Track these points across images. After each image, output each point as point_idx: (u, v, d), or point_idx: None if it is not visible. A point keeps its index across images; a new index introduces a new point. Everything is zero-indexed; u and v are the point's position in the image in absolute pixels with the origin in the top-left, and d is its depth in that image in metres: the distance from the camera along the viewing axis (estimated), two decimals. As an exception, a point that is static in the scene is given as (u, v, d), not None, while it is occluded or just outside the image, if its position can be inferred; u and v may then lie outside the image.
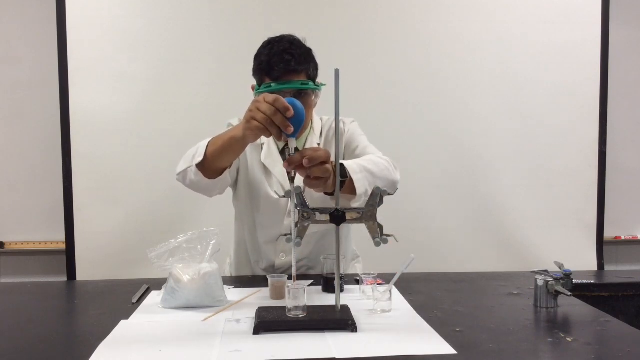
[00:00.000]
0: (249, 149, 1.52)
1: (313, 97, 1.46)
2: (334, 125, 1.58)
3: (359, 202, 1.24)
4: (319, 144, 1.57)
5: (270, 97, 1.10)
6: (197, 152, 1.34)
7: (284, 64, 1.39)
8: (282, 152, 1.57)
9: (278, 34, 1.51)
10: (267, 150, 1.56)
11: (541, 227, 2.54)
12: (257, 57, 1.47)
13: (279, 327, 1.06)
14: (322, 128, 1.62)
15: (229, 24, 2.42)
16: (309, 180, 1.17)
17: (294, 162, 1.12)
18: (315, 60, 1.49)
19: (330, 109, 1.13)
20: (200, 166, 1.34)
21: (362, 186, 1.26)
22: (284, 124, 1.09)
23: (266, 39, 1.50)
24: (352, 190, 1.26)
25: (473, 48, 2.51)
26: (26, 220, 2.52)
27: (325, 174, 1.15)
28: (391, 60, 2.48)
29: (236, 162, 1.52)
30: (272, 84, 1.39)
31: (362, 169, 1.28)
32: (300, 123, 1.11)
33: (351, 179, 1.25)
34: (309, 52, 1.47)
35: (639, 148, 2.76)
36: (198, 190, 1.44)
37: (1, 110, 2.50)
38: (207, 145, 1.33)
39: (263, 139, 1.56)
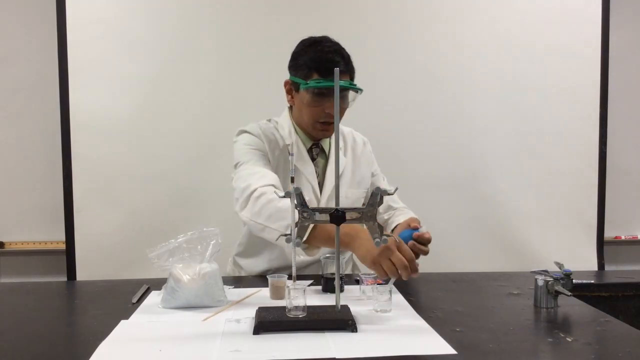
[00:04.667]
0: (277, 151, 1.57)
1: (351, 100, 1.54)
2: (357, 139, 1.71)
3: None
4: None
5: (408, 255, 1.19)
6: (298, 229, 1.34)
7: (334, 63, 1.45)
8: (310, 150, 1.61)
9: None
10: (296, 151, 1.58)
11: (541, 227, 2.54)
12: (301, 54, 1.53)
13: (279, 327, 1.06)
14: (344, 139, 1.68)
15: (229, 25, 2.42)
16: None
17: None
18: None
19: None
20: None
21: None
22: (407, 275, 1.19)
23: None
24: None
25: (474, 49, 2.51)
26: (26, 220, 2.52)
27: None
28: (392, 61, 2.48)
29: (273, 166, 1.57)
30: (322, 80, 1.46)
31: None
32: None
33: None
34: (350, 56, 1.54)
35: (639, 148, 2.76)
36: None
37: (1, 110, 2.49)
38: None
39: (288, 140, 1.60)
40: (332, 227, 1.12)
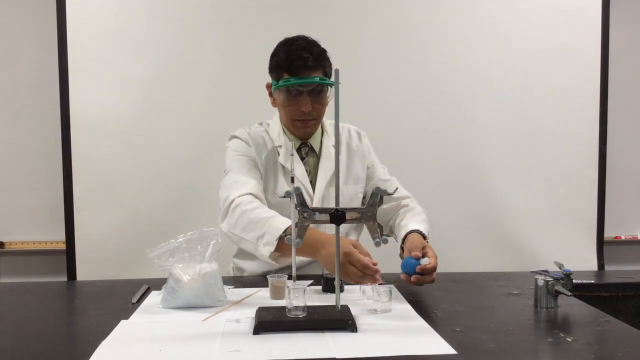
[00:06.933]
0: (264, 153, 1.57)
1: (327, 95, 1.52)
2: (352, 133, 1.69)
3: None
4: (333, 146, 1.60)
5: (360, 264, 1.20)
6: (264, 241, 1.35)
7: (302, 60, 1.45)
8: (299, 150, 1.61)
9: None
10: (285, 152, 1.58)
11: (541, 227, 2.54)
12: (275, 55, 1.52)
13: (279, 327, 1.06)
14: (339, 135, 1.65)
15: (230, 26, 2.42)
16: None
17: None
18: (330, 60, 1.54)
19: (331, 109, 1.13)
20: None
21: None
22: (374, 280, 1.22)
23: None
24: None
25: (474, 49, 2.51)
26: (26, 220, 2.52)
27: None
28: (392, 61, 2.48)
29: (260, 171, 1.57)
30: (291, 79, 1.45)
31: (427, 230, 1.54)
32: None
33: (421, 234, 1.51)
34: (324, 51, 1.53)
35: (639, 148, 2.75)
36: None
37: (1, 110, 2.49)
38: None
39: (277, 141, 1.59)
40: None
